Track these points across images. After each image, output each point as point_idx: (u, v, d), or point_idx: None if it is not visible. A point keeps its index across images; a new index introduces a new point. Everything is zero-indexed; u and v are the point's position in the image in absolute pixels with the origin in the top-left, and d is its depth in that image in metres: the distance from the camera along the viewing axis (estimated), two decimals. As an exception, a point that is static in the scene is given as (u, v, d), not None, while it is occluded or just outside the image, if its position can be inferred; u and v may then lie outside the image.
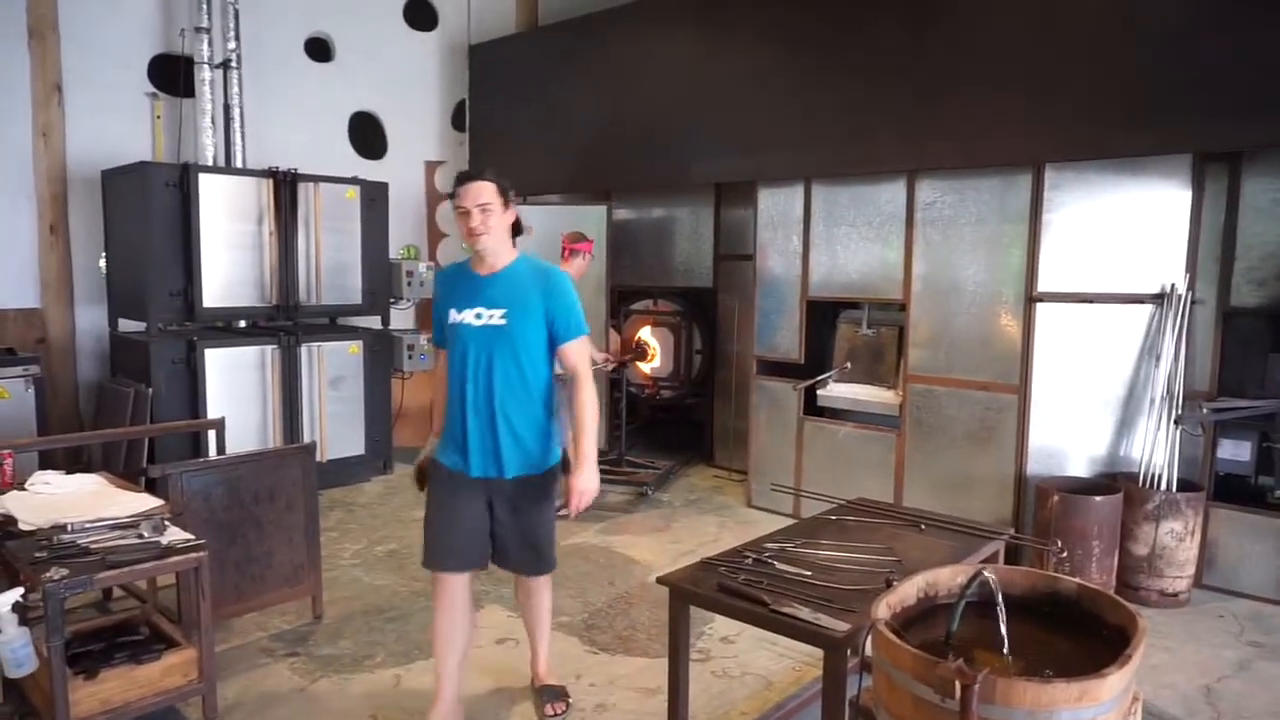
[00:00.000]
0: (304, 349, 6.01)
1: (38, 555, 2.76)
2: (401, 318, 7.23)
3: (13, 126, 5.74)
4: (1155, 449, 4.37)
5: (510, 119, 7.32)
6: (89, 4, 5.98)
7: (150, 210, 5.47)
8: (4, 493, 3.27)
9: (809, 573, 2.59)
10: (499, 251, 2.91)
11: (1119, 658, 1.68)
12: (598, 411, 2.95)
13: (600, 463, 6.40)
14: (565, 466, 3.06)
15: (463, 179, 2.87)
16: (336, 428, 6.22)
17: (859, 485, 4.97)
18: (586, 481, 2.90)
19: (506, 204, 2.90)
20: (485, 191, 2.83)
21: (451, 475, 2.94)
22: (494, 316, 2.86)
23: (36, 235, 5.88)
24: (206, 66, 6.19)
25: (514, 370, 2.86)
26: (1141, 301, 4.48)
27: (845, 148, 5.20)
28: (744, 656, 3.71)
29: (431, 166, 7.82)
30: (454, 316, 2.92)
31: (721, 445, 7.00)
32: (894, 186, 5.13)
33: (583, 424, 2.90)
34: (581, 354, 2.94)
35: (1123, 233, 4.47)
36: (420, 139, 7.76)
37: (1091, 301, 4.55)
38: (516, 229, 3.01)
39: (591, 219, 6.50)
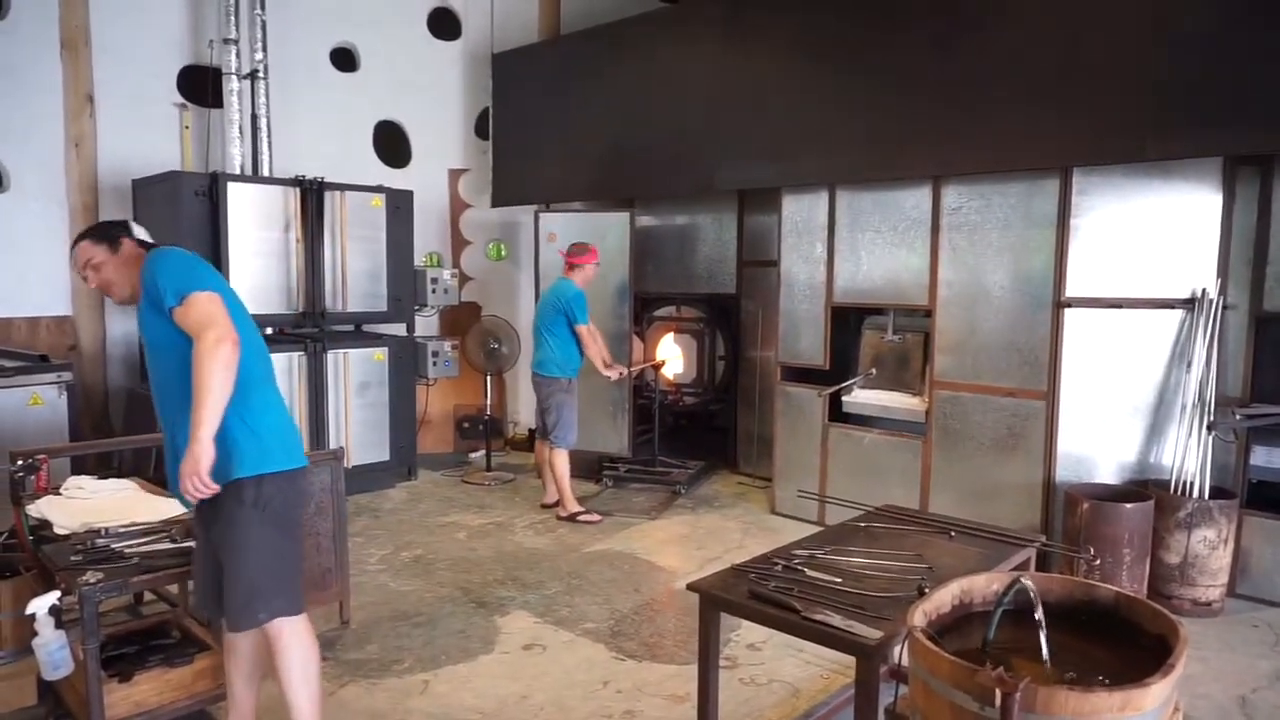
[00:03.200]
0: (330, 356, 6.07)
1: (73, 559, 2.80)
2: (426, 324, 7.28)
3: (46, 137, 5.84)
4: (1187, 455, 4.31)
5: (533, 127, 7.36)
6: (120, 17, 6.08)
7: (180, 219, 5.55)
8: (39, 497, 3.32)
9: (839, 580, 2.58)
10: (133, 284, 2.60)
11: (1161, 667, 1.66)
12: (222, 374, 2.37)
13: (631, 464, 6.57)
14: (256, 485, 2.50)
15: (72, 247, 2.68)
16: (362, 434, 6.27)
17: (884, 492, 4.93)
18: (187, 461, 2.34)
19: (114, 246, 2.61)
20: (84, 253, 2.61)
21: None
22: (144, 337, 2.62)
23: (68, 243, 5.95)
24: (234, 77, 6.28)
25: (160, 372, 2.58)
26: (1172, 307, 4.43)
27: (870, 153, 5.18)
28: (771, 664, 3.69)
29: (455, 174, 7.87)
30: None
31: (745, 452, 6.98)
32: (919, 192, 5.10)
33: (194, 388, 2.36)
34: (190, 314, 2.41)
35: (1152, 237, 4.42)
36: (444, 147, 7.81)
37: (1121, 307, 4.50)
38: (144, 243, 2.70)
39: (614, 226, 6.52)
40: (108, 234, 2.65)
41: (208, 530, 2.56)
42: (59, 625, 2.69)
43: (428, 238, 7.60)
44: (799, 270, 5.73)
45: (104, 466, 5.25)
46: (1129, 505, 4.17)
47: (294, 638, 2.58)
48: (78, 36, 5.87)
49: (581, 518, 5.66)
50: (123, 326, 6.22)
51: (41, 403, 4.69)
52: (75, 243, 2.67)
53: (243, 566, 2.49)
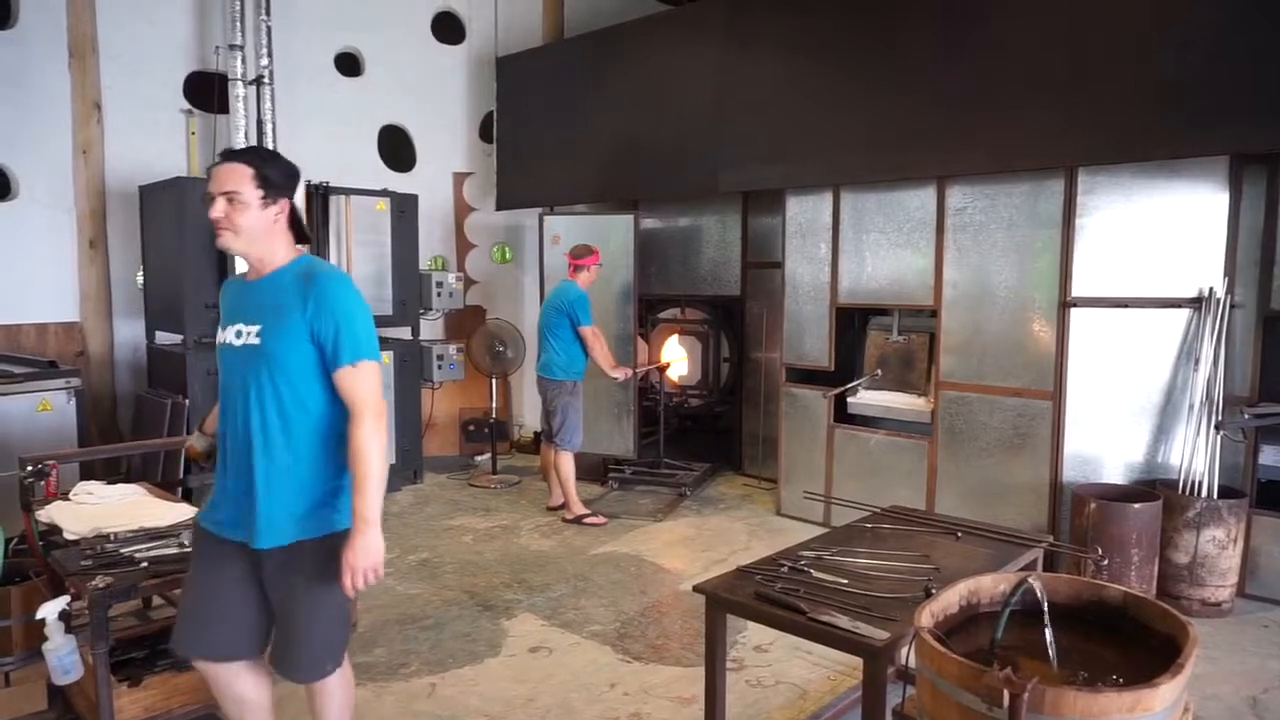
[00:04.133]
0: (336, 360, 6.07)
1: (83, 564, 2.81)
2: (430, 328, 7.29)
3: (54, 144, 5.87)
4: (1195, 455, 4.30)
5: (537, 130, 7.37)
6: (127, 24, 6.11)
7: (186, 224, 5.57)
8: (49, 503, 3.33)
9: (846, 581, 2.58)
10: (261, 255, 2.29)
11: (1171, 667, 1.65)
12: (383, 458, 2.23)
13: (636, 466, 6.56)
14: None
15: (221, 160, 2.32)
16: (368, 438, 6.26)
17: (890, 493, 4.93)
18: (360, 553, 2.18)
19: (270, 197, 2.26)
20: (233, 176, 2.23)
21: (206, 536, 2.37)
22: (251, 334, 2.26)
23: (76, 250, 6.00)
24: (240, 83, 6.30)
25: (273, 404, 2.23)
26: (1179, 306, 4.41)
27: (875, 155, 5.18)
28: (778, 665, 3.68)
29: (460, 178, 7.89)
30: (219, 336, 2.36)
31: (750, 453, 6.97)
32: (923, 192, 5.10)
33: (358, 474, 2.20)
34: (360, 385, 2.22)
35: (1159, 236, 4.41)
36: (448, 151, 7.83)
37: (1127, 306, 4.49)
38: (299, 231, 2.41)
39: (618, 228, 6.52)
40: (273, 179, 2.28)
41: (271, 576, 2.28)
42: (67, 631, 2.70)
43: (432, 241, 7.61)
44: (803, 271, 5.73)
45: (112, 471, 5.27)
46: (1137, 505, 4.15)
47: (341, 681, 2.43)
48: (85, 45, 5.90)
49: (587, 520, 5.66)
50: (130, 331, 6.25)
51: (50, 408, 4.71)
52: (229, 158, 2.29)
53: (322, 621, 2.31)
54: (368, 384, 2.24)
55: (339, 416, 2.27)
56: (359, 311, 2.27)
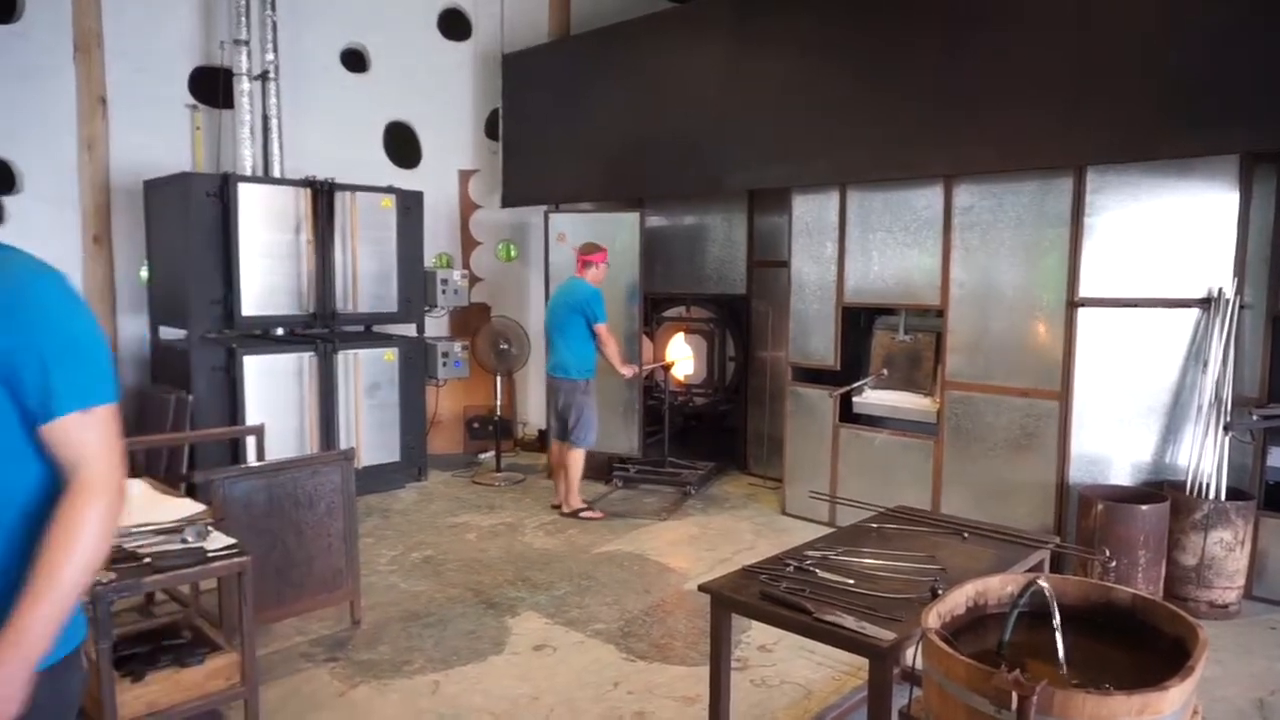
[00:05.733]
0: (340, 356, 6.08)
1: (86, 559, 2.80)
2: (435, 325, 7.28)
3: (59, 139, 5.87)
4: (1203, 456, 4.27)
5: (543, 127, 7.35)
6: (133, 19, 6.10)
7: (191, 220, 5.57)
8: (52, 497, 3.33)
9: (851, 581, 2.56)
10: None
11: (1180, 669, 1.63)
12: (97, 561, 1.42)
13: (641, 465, 6.56)
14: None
15: None
16: (372, 434, 6.28)
17: (896, 493, 4.91)
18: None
19: None
20: None
21: None
22: None
23: (81, 245, 5.99)
24: (245, 78, 6.29)
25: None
26: (1187, 306, 4.39)
27: (881, 153, 5.15)
28: (782, 665, 3.67)
29: (465, 175, 7.88)
30: None
31: (755, 452, 6.95)
32: (930, 191, 5.08)
33: (50, 571, 1.36)
34: (91, 441, 1.42)
35: (1167, 235, 4.38)
36: (454, 148, 7.81)
37: (1135, 306, 4.46)
38: None
39: (623, 226, 6.50)
40: None
41: None
42: (71, 625, 2.70)
43: (438, 238, 7.60)
44: (809, 270, 5.71)
45: (116, 467, 5.27)
46: (1144, 507, 4.13)
47: None
48: (90, 39, 5.89)
49: (584, 514, 5.68)
50: (134, 327, 6.25)
51: (54, 403, 4.71)
52: None
53: None
54: (102, 440, 1.43)
55: (39, 488, 1.43)
56: (83, 330, 1.46)
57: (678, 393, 7.34)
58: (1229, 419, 4.25)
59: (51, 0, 5.77)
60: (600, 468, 6.60)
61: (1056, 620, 1.80)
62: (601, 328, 5.62)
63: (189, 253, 5.59)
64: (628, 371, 5.89)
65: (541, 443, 7.48)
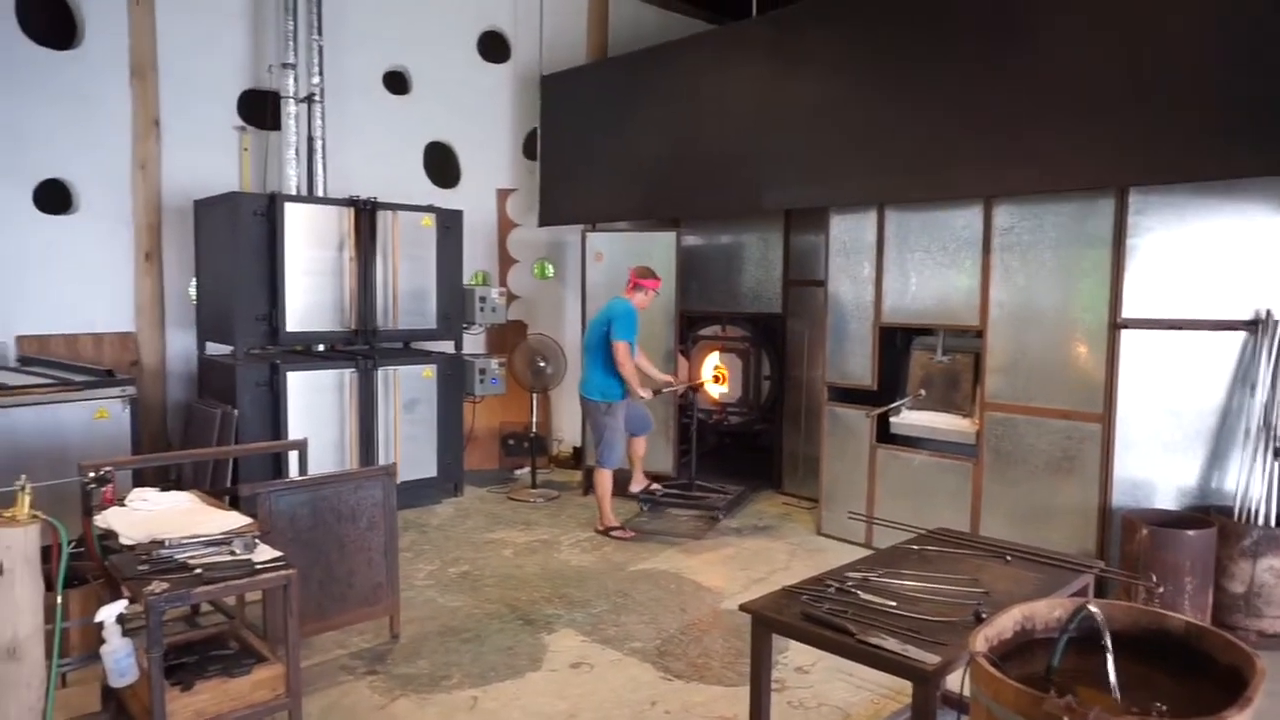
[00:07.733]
0: (380, 372, 6.17)
1: (139, 569, 2.87)
2: (473, 342, 7.36)
3: (115, 159, 6.05)
4: (1251, 481, 4.19)
5: (580, 148, 7.44)
6: (186, 44, 6.29)
7: (238, 238, 5.71)
8: (106, 508, 3.42)
9: (894, 603, 2.55)
10: None
11: (1238, 699, 1.61)
12: None
13: (669, 487, 6.55)
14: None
15: None
16: (410, 450, 6.35)
17: (934, 514, 4.86)
18: None
19: None
20: None
21: None
22: None
23: (133, 262, 6.16)
24: (292, 101, 6.45)
25: None
26: (1234, 328, 4.32)
27: (920, 174, 5.14)
28: (820, 687, 3.65)
29: (503, 194, 7.98)
30: None
31: (790, 472, 6.93)
32: (969, 212, 5.06)
33: None
34: None
35: (1213, 257, 4.32)
36: (492, 167, 7.93)
37: (1180, 328, 4.40)
38: None
39: (660, 246, 6.55)
40: None
41: None
42: (124, 634, 2.76)
43: (476, 256, 7.70)
44: (847, 290, 5.70)
45: (163, 479, 5.38)
46: (1191, 532, 4.05)
47: None
48: (146, 64, 6.08)
49: (615, 533, 5.69)
50: (182, 342, 6.40)
51: (107, 416, 4.83)
52: None
53: None
54: None
55: None
56: None
57: (713, 411, 7.34)
58: (1279, 444, 4.16)
59: (109, 27, 5.97)
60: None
61: (1109, 645, 1.78)
62: (620, 345, 5.53)
63: (236, 270, 5.73)
64: (645, 394, 5.81)
65: (576, 460, 7.51)
